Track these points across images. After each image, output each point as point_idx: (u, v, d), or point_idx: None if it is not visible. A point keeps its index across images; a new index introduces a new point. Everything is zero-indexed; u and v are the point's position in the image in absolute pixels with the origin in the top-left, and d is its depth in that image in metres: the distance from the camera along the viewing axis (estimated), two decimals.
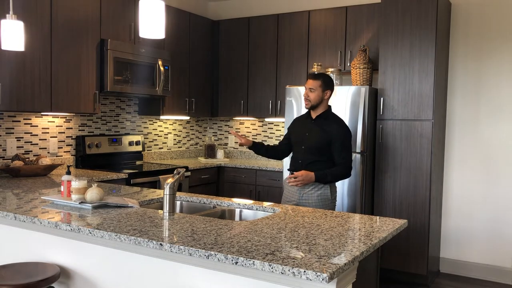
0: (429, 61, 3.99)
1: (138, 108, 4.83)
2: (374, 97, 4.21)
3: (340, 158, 3.10)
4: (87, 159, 4.15)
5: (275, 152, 3.43)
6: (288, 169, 3.32)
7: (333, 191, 3.16)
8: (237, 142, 3.24)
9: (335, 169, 3.10)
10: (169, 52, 4.59)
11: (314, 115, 3.20)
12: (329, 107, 3.22)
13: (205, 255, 1.68)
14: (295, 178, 3.05)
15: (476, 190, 4.33)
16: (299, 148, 3.22)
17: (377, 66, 4.29)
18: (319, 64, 4.48)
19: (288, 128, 3.41)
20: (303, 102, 3.25)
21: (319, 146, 3.12)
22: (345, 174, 3.14)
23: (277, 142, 5.35)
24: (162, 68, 4.38)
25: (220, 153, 5.32)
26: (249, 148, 3.33)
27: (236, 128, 5.65)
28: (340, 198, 4.12)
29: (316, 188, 3.10)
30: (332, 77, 4.38)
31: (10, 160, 3.55)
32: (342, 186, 4.12)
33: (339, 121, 3.19)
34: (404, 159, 4.10)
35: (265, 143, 3.37)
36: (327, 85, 3.14)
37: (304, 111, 3.41)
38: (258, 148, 3.36)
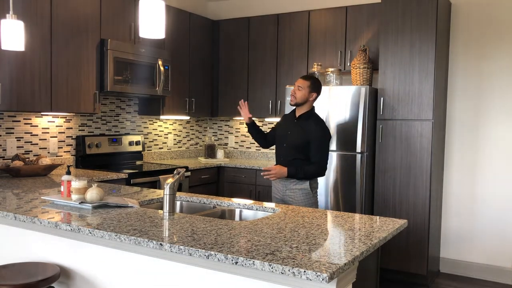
0: (429, 61, 3.99)
1: (138, 108, 4.83)
2: (374, 97, 4.21)
3: (314, 158, 3.23)
4: (87, 159, 4.15)
5: (263, 140, 3.62)
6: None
7: (313, 186, 3.29)
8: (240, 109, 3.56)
9: (308, 167, 3.21)
10: (169, 52, 4.58)
11: (297, 114, 3.32)
12: (313, 107, 3.33)
13: (205, 255, 1.68)
14: (268, 171, 3.19)
15: (476, 190, 4.33)
16: (281, 145, 3.36)
17: (377, 66, 4.29)
18: (319, 64, 4.48)
19: (277, 125, 3.55)
20: None
21: (298, 145, 3.25)
22: (318, 173, 3.26)
23: None
24: (162, 68, 4.38)
25: (220, 153, 5.32)
26: (246, 124, 3.56)
27: (236, 128, 5.65)
28: (340, 198, 4.12)
29: (298, 184, 3.24)
30: (332, 77, 4.40)
31: (10, 160, 3.55)
32: (342, 186, 4.12)
33: (319, 122, 3.30)
34: (404, 159, 4.10)
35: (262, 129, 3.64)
36: (314, 88, 3.28)
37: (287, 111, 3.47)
38: (252, 127, 3.57)
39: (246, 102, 3.63)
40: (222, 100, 5.39)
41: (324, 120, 3.65)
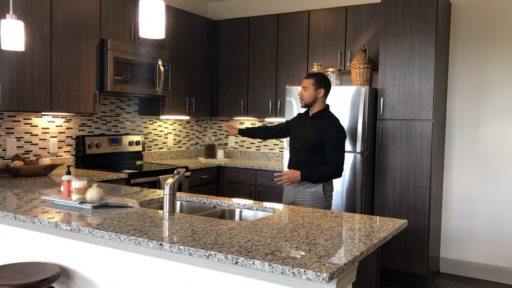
0: (429, 61, 3.99)
1: (138, 108, 4.83)
2: (374, 97, 4.21)
3: (330, 158, 3.10)
4: (87, 159, 4.15)
5: (262, 134, 3.73)
6: (288, 167, 3.36)
7: (327, 190, 3.15)
8: (227, 131, 3.60)
9: (323, 168, 3.08)
10: (169, 52, 4.58)
11: (310, 113, 3.23)
12: (327, 106, 3.21)
13: (205, 255, 1.68)
14: (280, 176, 3.12)
15: (476, 190, 4.33)
16: (294, 146, 3.26)
17: (377, 66, 4.29)
18: (319, 64, 4.47)
19: (290, 121, 3.48)
20: None
21: (312, 145, 3.13)
22: (334, 174, 3.11)
23: (277, 142, 5.36)
24: (162, 68, 4.38)
25: (220, 153, 5.32)
26: (238, 134, 3.62)
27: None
28: (340, 198, 4.12)
29: (309, 186, 3.12)
30: (332, 77, 4.40)
31: (10, 160, 3.55)
32: (342, 186, 4.12)
33: (334, 121, 3.18)
34: (404, 159, 4.10)
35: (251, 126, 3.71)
36: (320, 83, 3.14)
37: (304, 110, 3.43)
38: (245, 133, 3.64)
39: (225, 123, 3.71)
40: (222, 100, 5.39)
41: None
